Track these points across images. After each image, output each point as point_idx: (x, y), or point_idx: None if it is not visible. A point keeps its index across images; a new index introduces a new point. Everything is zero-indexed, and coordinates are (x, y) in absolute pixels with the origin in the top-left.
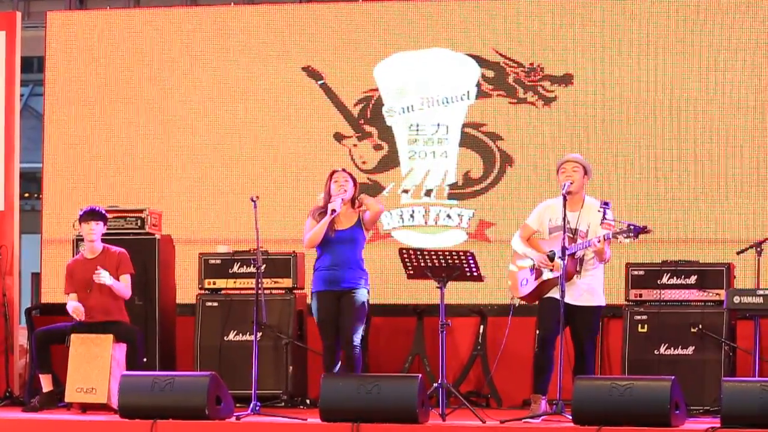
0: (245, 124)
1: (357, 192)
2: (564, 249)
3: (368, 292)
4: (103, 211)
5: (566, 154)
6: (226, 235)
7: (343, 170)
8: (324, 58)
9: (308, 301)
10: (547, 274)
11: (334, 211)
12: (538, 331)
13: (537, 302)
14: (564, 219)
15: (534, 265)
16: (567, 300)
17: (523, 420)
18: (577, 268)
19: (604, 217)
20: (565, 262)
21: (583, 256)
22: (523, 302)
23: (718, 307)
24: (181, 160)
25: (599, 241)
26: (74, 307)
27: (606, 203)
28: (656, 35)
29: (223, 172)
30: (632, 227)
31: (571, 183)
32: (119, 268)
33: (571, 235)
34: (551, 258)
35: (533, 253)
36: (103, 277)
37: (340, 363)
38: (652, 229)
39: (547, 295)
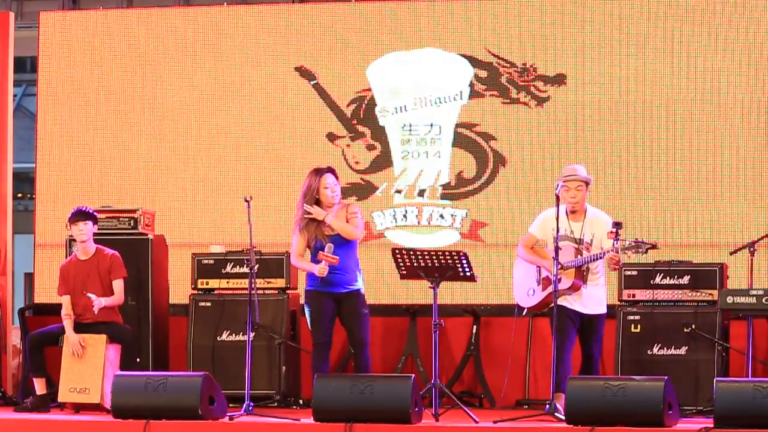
0: (238, 124)
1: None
2: (556, 253)
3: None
4: (92, 211)
5: (571, 168)
6: (218, 236)
7: (331, 171)
8: (317, 58)
9: (301, 301)
10: (553, 287)
11: (321, 274)
12: (556, 336)
13: (543, 310)
14: (557, 230)
15: (540, 275)
16: (578, 308)
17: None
18: (584, 279)
19: (616, 237)
20: (556, 269)
21: (588, 266)
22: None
23: (711, 307)
24: (174, 161)
25: (615, 252)
26: (73, 342)
27: (618, 223)
28: (649, 35)
29: (216, 173)
30: (642, 243)
31: (576, 203)
32: (112, 273)
33: (577, 246)
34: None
35: (541, 261)
36: (96, 304)
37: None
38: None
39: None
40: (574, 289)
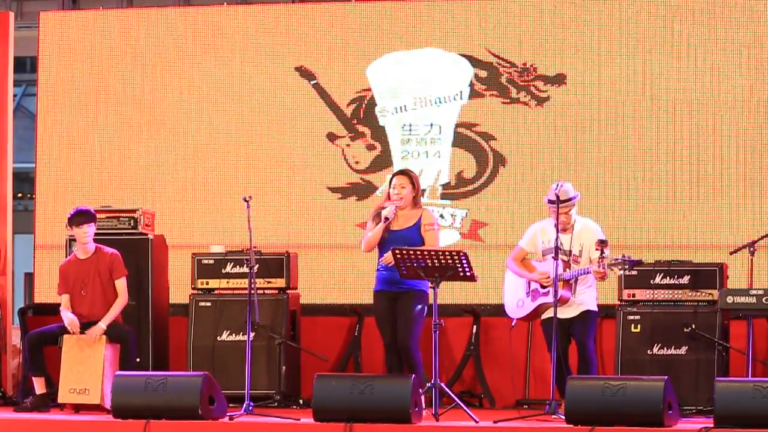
0: (238, 124)
1: (419, 190)
2: (556, 252)
3: (427, 293)
4: (92, 211)
5: (559, 190)
6: (218, 235)
7: (403, 173)
8: (317, 58)
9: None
10: (542, 299)
11: (386, 218)
12: (552, 351)
13: (536, 320)
14: (557, 235)
15: (530, 287)
16: (563, 316)
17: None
18: (572, 290)
19: (601, 255)
20: (555, 272)
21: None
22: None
23: (712, 307)
24: (174, 161)
25: (602, 268)
26: (70, 320)
27: (603, 241)
28: (649, 35)
29: (216, 173)
30: (627, 260)
31: (567, 223)
32: (113, 272)
33: (566, 258)
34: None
35: (530, 275)
36: (96, 332)
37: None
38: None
39: (547, 316)
40: (563, 301)
